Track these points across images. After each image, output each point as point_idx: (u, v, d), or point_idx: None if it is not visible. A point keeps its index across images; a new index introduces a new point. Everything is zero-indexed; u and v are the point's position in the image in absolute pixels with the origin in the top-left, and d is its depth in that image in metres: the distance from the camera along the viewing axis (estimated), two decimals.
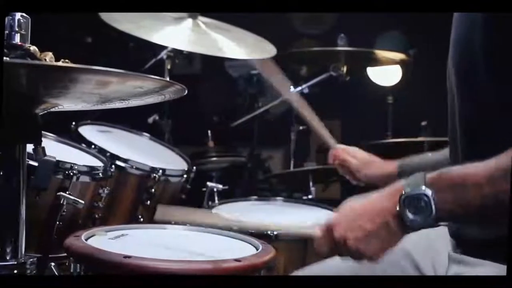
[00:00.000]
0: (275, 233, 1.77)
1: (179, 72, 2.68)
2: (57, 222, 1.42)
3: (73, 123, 1.97)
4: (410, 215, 0.96)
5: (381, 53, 2.83)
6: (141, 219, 1.92)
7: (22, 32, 0.91)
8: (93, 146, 1.84)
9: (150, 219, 1.92)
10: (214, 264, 1.16)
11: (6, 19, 0.89)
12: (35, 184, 1.36)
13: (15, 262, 0.90)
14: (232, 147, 2.88)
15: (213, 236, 1.44)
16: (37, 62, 0.79)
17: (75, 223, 1.58)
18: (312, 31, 4.03)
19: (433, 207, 0.94)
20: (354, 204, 1.05)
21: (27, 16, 0.93)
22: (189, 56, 2.66)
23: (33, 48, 0.87)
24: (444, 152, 1.39)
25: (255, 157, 2.99)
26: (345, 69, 2.77)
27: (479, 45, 1.03)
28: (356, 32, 3.09)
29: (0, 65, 0.77)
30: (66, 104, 0.95)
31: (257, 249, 1.33)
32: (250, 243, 1.39)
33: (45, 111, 0.95)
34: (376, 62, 2.96)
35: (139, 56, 2.92)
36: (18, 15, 0.91)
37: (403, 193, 0.96)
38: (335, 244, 1.03)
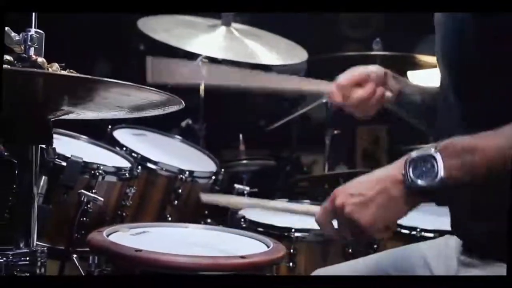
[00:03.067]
0: (296, 234, 1.82)
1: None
2: (82, 218, 1.53)
3: (109, 126, 2.10)
4: (413, 177, 0.95)
5: (419, 57, 2.80)
6: (169, 218, 2.01)
7: (35, 46, 1.02)
8: (124, 148, 1.96)
9: (178, 219, 2.02)
10: (219, 260, 1.21)
11: (21, 34, 1.01)
12: (63, 183, 1.49)
13: (27, 250, 1.01)
14: (262, 151, 2.93)
15: (230, 235, 1.50)
16: (35, 70, 0.89)
17: (103, 220, 1.70)
18: (358, 35, 4.02)
19: (441, 169, 0.93)
20: (363, 175, 1.04)
21: (41, 32, 1.04)
22: (225, 62, 2.74)
23: (40, 59, 0.98)
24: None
25: (292, 160, 3.03)
26: None
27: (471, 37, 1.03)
28: (396, 36, 3.07)
29: (0, 66, 0.87)
30: (76, 111, 1.05)
31: (268, 248, 1.37)
32: (264, 243, 1.43)
33: (57, 117, 1.06)
34: (414, 65, 2.93)
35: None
36: (32, 31, 1.03)
37: (411, 155, 0.96)
38: (334, 213, 1.02)
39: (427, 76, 3.15)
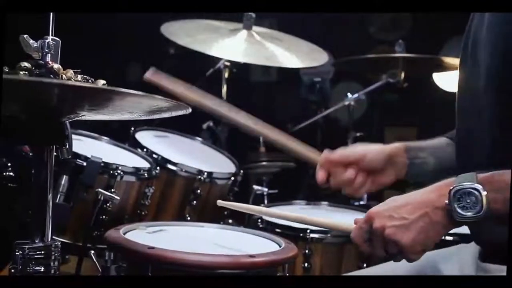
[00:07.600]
0: (311, 235, 1.84)
1: (239, 81, 2.81)
2: (101, 216, 1.59)
3: (132, 128, 2.16)
4: (459, 209, 0.98)
5: (443, 59, 2.77)
6: (189, 218, 2.05)
7: (52, 52, 1.08)
8: (145, 150, 2.02)
9: (197, 219, 2.07)
10: (227, 258, 1.25)
11: (39, 41, 1.07)
12: (83, 182, 1.56)
13: (42, 245, 1.07)
14: (282, 153, 2.94)
15: (244, 235, 1.53)
16: (49, 80, 0.94)
17: (122, 219, 1.76)
18: (388, 37, 3.99)
19: (485, 203, 0.96)
20: (397, 197, 1.07)
21: (58, 39, 1.10)
22: (247, 66, 2.77)
23: (56, 66, 1.04)
24: (439, 141, 1.39)
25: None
26: (402, 75, 2.76)
27: None
28: (422, 37, 3.04)
29: (0, 67, 0.93)
30: (90, 115, 1.11)
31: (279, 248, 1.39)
32: (277, 243, 1.45)
33: (71, 119, 1.12)
34: (438, 67, 2.90)
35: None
36: (49, 38, 1.09)
37: (454, 186, 0.99)
38: (372, 234, 1.06)
39: (452, 78, 3.12)
